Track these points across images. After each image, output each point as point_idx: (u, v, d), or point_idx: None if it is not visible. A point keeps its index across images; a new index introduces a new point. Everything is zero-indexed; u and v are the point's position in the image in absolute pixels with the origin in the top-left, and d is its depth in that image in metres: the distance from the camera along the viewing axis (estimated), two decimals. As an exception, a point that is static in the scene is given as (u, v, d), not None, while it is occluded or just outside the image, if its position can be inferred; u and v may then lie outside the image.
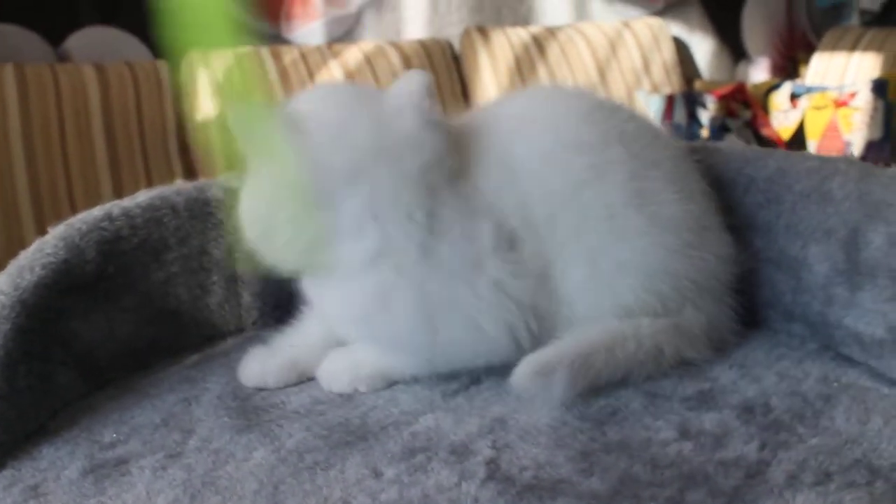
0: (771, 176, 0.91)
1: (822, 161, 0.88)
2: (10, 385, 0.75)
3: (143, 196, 0.94)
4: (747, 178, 0.93)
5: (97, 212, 0.89)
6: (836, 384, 0.78)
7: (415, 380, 0.83)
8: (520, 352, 0.79)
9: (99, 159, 2.20)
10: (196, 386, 0.85)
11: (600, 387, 0.78)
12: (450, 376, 0.83)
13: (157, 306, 0.93)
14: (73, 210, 2.05)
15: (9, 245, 1.99)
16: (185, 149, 2.35)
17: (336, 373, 0.84)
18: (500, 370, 0.81)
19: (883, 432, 0.69)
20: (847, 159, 0.87)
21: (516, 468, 0.66)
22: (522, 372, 0.76)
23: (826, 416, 0.73)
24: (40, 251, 0.83)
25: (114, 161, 2.21)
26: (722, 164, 0.95)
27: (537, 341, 0.81)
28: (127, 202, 0.92)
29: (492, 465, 0.67)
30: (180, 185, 0.97)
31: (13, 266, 0.81)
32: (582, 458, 0.67)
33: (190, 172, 2.35)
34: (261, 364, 0.86)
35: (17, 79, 2.14)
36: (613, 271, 0.82)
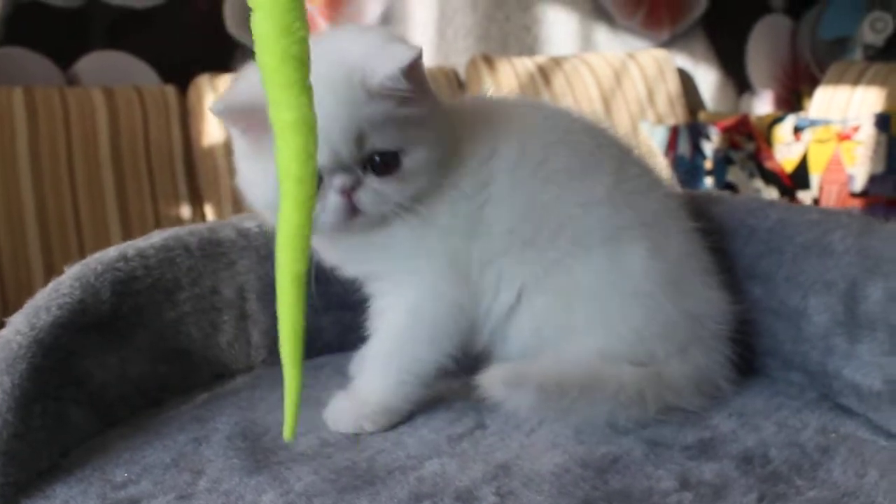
0: (772, 227, 0.92)
1: (824, 214, 0.90)
2: (25, 424, 0.76)
3: (156, 237, 0.95)
4: (748, 229, 0.95)
5: (112, 252, 0.91)
6: (834, 435, 0.80)
7: (419, 422, 0.85)
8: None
9: (106, 182, 2.22)
10: (206, 426, 0.86)
11: (594, 427, 0.81)
12: (455, 419, 0.85)
13: (169, 345, 0.94)
14: (79, 232, 2.10)
15: (15, 266, 2.01)
16: (191, 173, 2.37)
17: (341, 412, 0.85)
18: (504, 415, 0.82)
19: (879, 485, 0.71)
20: (848, 213, 0.89)
21: (520, 516, 0.68)
22: (492, 376, 0.79)
23: (824, 468, 0.74)
24: (56, 291, 0.84)
25: (120, 184, 2.24)
26: (724, 214, 0.97)
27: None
28: (141, 242, 0.94)
29: (496, 512, 0.68)
30: (193, 225, 0.99)
31: (29, 306, 0.83)
32: (584, 508, 0.68)
33: (195, 196, 2.37)
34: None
35: (26, 102, 2.17)
36: (577, 295, 0.85)
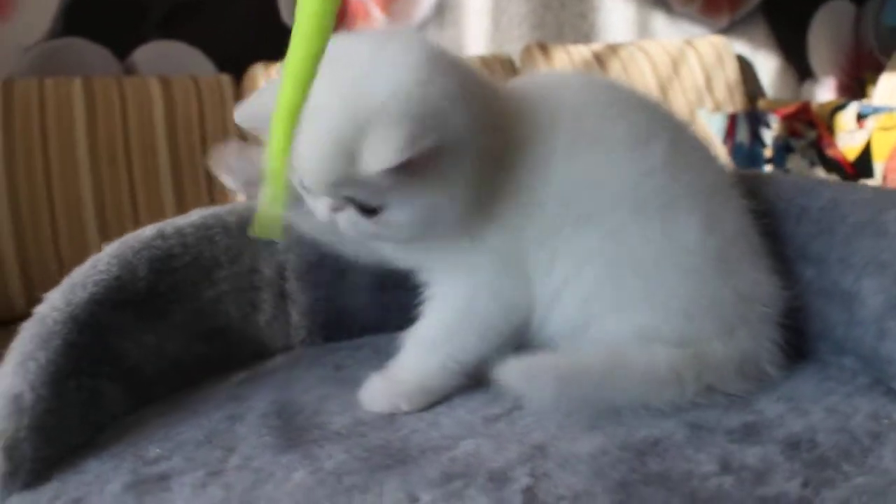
0: (824, 206, 0.89)
1: (878, 193, 0.87)
2: (59, 399, 0.76)
3: (195, 215, 0.95)
4: (799, 209, 0.91)
5: (150, 230, 0.91)
6: (886, 421, 0.76)
7: (456, 402, 0.84)
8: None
9: (162, 170, 2.24)
10: (242, 404, 0.85)
11: (618, 407, 0.79)
12: (492, 400, 0.83)
13: (207, 324, 0.94)
14: (136, 220, 2.12)
15: (74, 254, 2.03)
16: (245, 162, 2.38)
17: (377, 392, 0.84)
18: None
19: (932, 473, 0.67)
20: (903, 191, 0.86)
21: (553, 497, 0.65)
22: (510, 368, 0.77)
23: (874, 454, 0.71)
24: (93, 268, 0.84)
25: (176, 173, 2.25)
26: (774, 194, 0.94)
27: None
28: (180, 220, 0.94)
29: (528, 493, 0.66)
30: (233, 203, 0.99)
31: (66, 282, 0.83)
32: (620, 489, 0.66)
33: (250, 185, 2.38)
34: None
35: (84, 91, 2.19)
36: (628, 266, 0.83)
